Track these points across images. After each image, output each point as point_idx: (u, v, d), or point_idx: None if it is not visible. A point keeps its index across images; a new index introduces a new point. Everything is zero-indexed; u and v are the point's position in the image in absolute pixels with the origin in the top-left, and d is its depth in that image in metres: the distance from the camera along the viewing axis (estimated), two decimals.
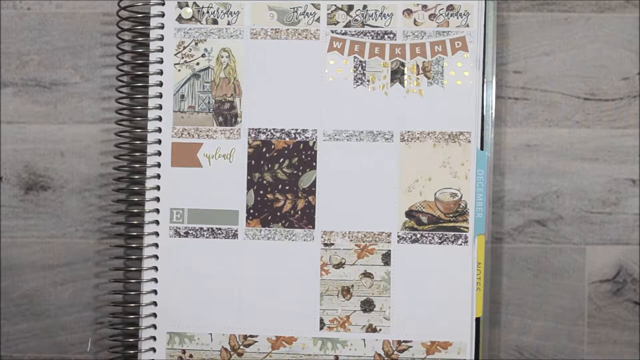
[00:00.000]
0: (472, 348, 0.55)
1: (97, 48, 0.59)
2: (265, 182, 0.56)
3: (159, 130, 0.57)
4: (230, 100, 0.56)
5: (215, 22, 0.56)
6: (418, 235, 0.55)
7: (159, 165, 0.56)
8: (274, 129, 0.56)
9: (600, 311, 0.58)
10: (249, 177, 0.56)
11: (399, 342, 0.56)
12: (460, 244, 0.55)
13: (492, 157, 0.56)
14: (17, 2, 0.59)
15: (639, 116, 0.58)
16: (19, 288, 0.59)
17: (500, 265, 0.58)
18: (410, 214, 0.55)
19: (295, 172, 0.56)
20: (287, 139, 0.56)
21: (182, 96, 0.57)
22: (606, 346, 0.58)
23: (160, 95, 0.57)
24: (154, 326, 0.56)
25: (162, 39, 0.57)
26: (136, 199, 0.57)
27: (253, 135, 0.56)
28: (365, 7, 0.56)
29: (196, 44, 0.56)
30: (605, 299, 0.58)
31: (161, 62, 0.57)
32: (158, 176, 0.57)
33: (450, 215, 0.55)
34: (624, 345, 0.58)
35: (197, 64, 0.56)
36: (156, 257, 0.56)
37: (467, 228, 0.55)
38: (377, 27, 0.56)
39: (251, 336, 0.56)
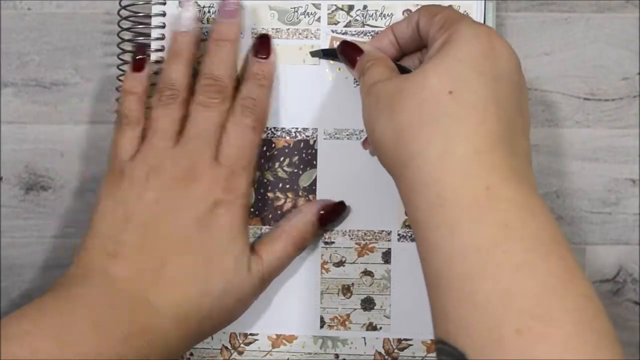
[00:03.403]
0: None
1: (97, 48, 0.59)
2: (265, 180, 0.56)
3: None
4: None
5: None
6: None
7: None
8: (274, 128, 0.56)
9: None
10: None
11: (400, 341, 0.55)
12: None
13: None
14: (17, 2, 0.59)
15: (639, 116, 0.58)
16: (19, 288, 0.59)
17: None
18: None
19: (295, 170, 0.56)
20: (287, 138, 0.56)
21: None
22: None
23: None
24: None
25: (163, 38, 0.57)
26: None
27: None
28: (365, 7, 0.56)
29: None
30: (605, 299, 0.58)
31: (162, 62, 0.57)
32: None
33: None
34: (624, 346, 0.57)
35: (198, 63, 0.56)
36: None
37: None
38: (377, 27, 0.56)
39: (252, 334, 0.56)
